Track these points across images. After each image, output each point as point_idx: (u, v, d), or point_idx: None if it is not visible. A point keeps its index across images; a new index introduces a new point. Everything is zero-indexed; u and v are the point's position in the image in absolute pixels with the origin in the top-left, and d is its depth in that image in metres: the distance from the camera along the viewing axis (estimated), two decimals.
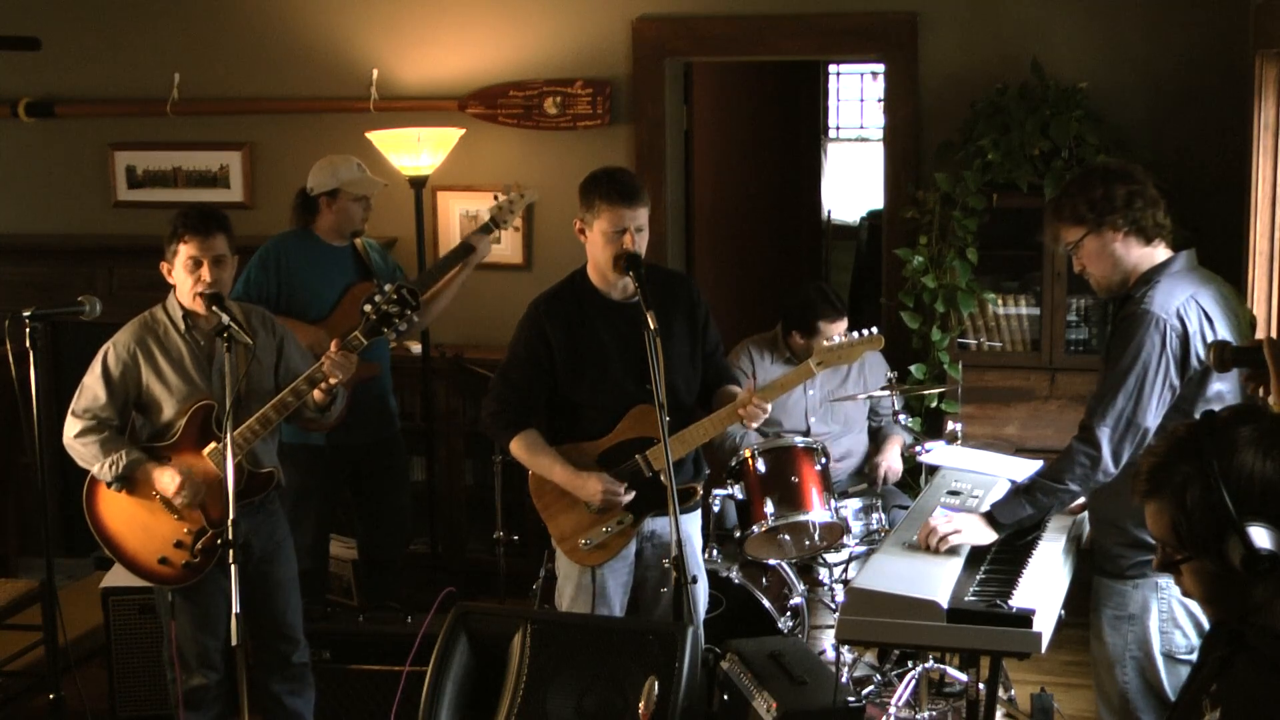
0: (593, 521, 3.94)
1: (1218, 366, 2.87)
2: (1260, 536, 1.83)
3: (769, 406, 3.85)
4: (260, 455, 4.05)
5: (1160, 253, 3.40)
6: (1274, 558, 1.83)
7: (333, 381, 3.95)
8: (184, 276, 3.94)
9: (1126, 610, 3.35)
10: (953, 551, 3.37)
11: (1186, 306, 3.28)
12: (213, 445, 3.95)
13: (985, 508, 3.50)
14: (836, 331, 4.76)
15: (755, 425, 3.89)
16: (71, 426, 3.96)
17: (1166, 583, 3.28)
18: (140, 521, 4.01)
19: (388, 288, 3.99)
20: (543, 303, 3.96)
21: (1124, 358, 3.25)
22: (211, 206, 4.08)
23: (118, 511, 4.03)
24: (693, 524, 4.07)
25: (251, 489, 3.98)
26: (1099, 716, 3.51)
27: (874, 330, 3.97)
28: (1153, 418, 3.26)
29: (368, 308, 3.97)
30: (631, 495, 3.88)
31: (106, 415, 3.95)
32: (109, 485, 3.97)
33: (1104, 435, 3.26)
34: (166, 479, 3.93)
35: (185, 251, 3.92)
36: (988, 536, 3.39)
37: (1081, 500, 3.58)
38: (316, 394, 3.99)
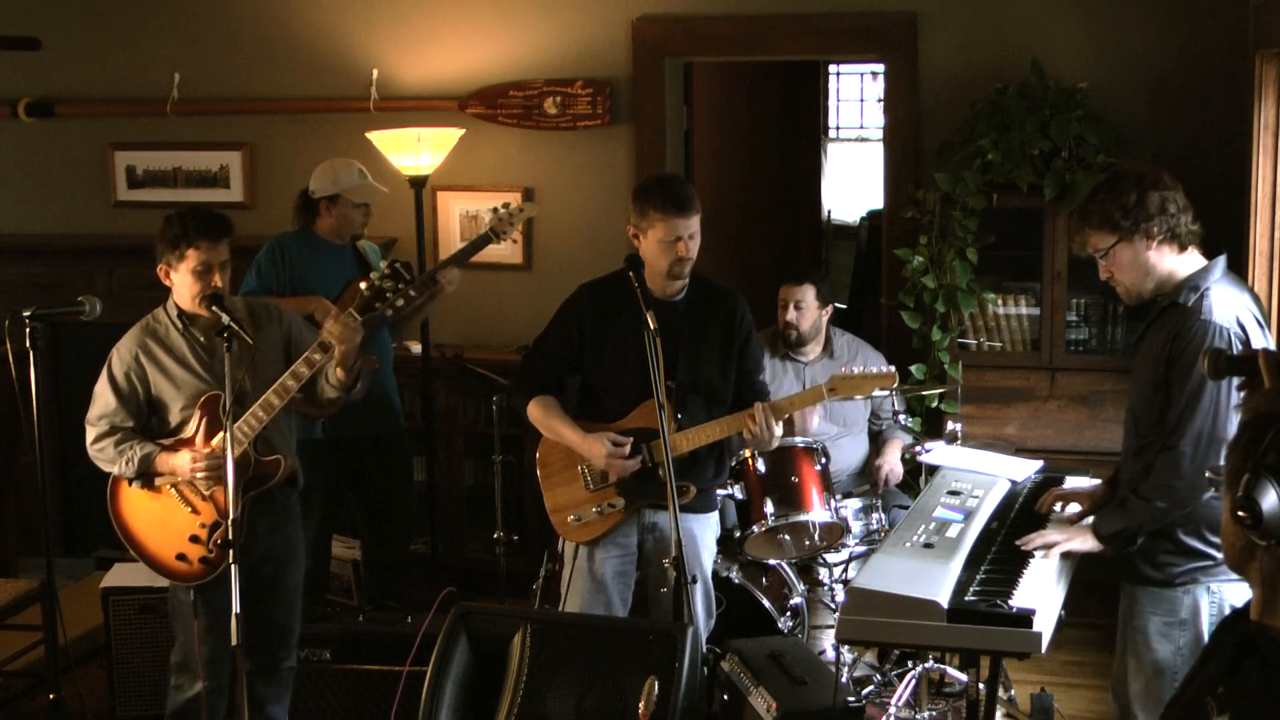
0: (585, 499, 4.02)
1: (1212, 374, 2.83)
2: (1267, 493, 1.83)
3: (778, 431, 3.91)
4: (274, 441, 3.99)
5: (1194, 258, 3.36)
6: (1257, 516, 1.83)
7: (340, 349, 3.89)
8: (191, 281, 3.87)
9: (1178, 616, 3.35)
10: (954, 551, 3.37)
11: (1243, 314, 3.29)
12: (222, 435, 3.93)
13: (990, 508, 3.50)
14: (794, 297, 4.98)
15: (769, 445, 3.94)
16: (89, 434, 3.98)
17: (1217, 586, 3.31)
18: (158, 519, 4.01)
19: (382, 264, 4.00)
20: (587, 287, 4.10)
21: (1194, 374, 3.22)
22: (212, 208, 4.04)
23: (137, 510, 4.03)
24: (705, 525, 4.11)
25: (259, 477, 3.94)
26: None
27: (892, 368, 4.04)
28: (1231, 428, 3.24)
29: (363, 284, 3.94)
30: (637, 461, 3.92)
31: (120, 419, 3.95)
32: (131, 483, 3.97)
33: (1186, 454, 3.25)
34: (182, 459, 3.91)
35: (196, 257, 3.85)
36: (1091, 545, 3.42)
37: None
38: (339, 372, 3.95)
